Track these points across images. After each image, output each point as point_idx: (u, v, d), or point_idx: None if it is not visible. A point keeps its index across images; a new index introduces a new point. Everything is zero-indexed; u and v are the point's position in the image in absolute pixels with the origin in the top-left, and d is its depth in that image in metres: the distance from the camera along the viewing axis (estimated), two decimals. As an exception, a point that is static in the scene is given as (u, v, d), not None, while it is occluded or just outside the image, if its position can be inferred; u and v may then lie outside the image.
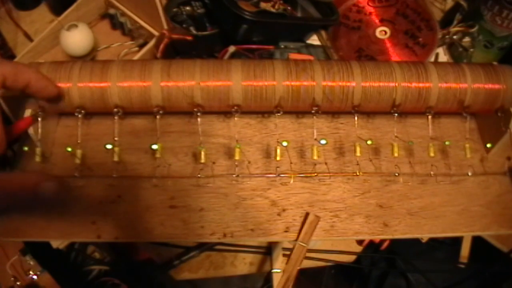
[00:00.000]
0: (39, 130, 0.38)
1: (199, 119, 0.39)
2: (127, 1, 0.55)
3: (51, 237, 0.40)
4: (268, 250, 0.62)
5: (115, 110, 0.38)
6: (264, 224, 0.39)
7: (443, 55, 0.57)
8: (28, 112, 0.37)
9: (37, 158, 0.39)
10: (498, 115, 0.41)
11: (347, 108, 0.40)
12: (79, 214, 0.39)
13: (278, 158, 0.39)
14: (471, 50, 0.56)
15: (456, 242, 0.65)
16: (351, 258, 0.64)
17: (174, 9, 0.53)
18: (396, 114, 0.41)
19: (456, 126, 0.45)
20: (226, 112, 0.42)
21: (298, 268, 0.40)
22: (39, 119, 0.38)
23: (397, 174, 0.42)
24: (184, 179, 0.40)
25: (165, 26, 0.50)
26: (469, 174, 0.42)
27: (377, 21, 0.56)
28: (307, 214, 0.40)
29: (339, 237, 0.40)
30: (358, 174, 0.42)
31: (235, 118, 0.39)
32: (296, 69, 0.39)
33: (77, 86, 0.37)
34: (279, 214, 0.40)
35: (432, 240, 0.62)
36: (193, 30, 0.52)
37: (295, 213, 0.40)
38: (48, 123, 0.40)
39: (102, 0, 0.57)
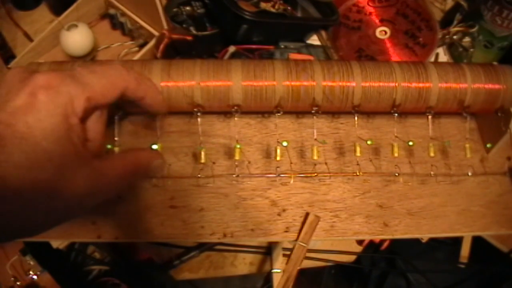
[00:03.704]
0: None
1: (199, 119, 0.39)
2: (127, 1, 0.55)
3: (51, 237, 0.40)
4: (268, 250, 0.62)
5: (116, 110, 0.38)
6: (264, 224, 0.39)
7: (443, 55, 0.57)
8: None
9: None
10: (498, 115, 0.41)
11: (347, 108, 0.40)
12: (79, 214, 0.39)
13: (278, 158, 0.39)
14: (471, 50, 0.56)
15: (456, 242, 0.65)
16: (351, 258, 0.65)
17: (174, 9, 0.53)
18: (396, 114, 0.41)
19: (456, 126, 0.45)
20: (226, 112, 0.42)
21: (298, 268, 0.40)
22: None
23: (397, 174, 0.42)
24: (184, 179, 0.40)
25: (165, 26, 0.50)
26: (469, 174, 0.42)
27: (377, 21, 0.56)
28: (307, 214, 0.40)
29: (339, 237, 0.40)
30: (358, 174, 0.42)
31: (235, 118, 0.39)
32: (296, 69, 0.39)
33: (77, 86, 0.37)
34: (279, 214, 0.40)
35: (432, 240, 0.62)
36: (193, 30, 0.52)
37: (295, 213, 0.40)
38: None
39: (102, 0, 0.57)
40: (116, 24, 0.58)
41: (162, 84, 0.37)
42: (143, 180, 0.37)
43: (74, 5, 0.55)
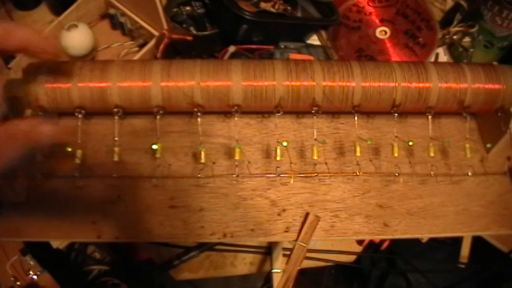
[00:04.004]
0: (39, 130, 0.38)
1: (199, 119, 0.39)
2: (127, 1, 0.55)
3: (51, 237, 0.40)
4: (268, 250, 0.62)
5: (115, 110, 0.38)
6: (264, 224, 0.39)
7: (443, 55, 0.57)
8: (28, 112, 0.37)
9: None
10: (498, 115, 0.41)
11: (347, 108, 0.40)
12: (79, 214, 0.39)
13: (278, 158, 0.39)
14: (471, 50, 0.56)
15: (456, 242, 0.65)
16: (351, 258, 0.64)
17: (174, 9, 0.53)
18: (396, 114, 0.41)
19: (456, 126, 0.45)
20: (226, 112, 0.42)
21: (298, 268, 0.40)
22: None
23: (397, 174, 0.42)
24: (184, 179, 0.40)
25: (165, 26, 0.50)
26: (469, 174, 0.42)
27: (377, 21, 0.56)
28: (307, 214, 0.40)
29: (339, 237, 0.40)
30: (358, 174, 0.42)
31: (235, 118, 0.39)
32: (296, 69, 0.39)
33: (77, 86, 0.37)
34: (279, 214, 0.40)
35: (432, 240, 0.62)
36: (193, 30, 0.52)
37: (295, 213, 0.40)
38: (48, 123, 0.39)
39: (102, 0, 0.57)
40: (116, 24, 0.58)
41: (162, 84, 0.37)
42: (34, 151, 0.32)
43: (74, 5, 0.55)
